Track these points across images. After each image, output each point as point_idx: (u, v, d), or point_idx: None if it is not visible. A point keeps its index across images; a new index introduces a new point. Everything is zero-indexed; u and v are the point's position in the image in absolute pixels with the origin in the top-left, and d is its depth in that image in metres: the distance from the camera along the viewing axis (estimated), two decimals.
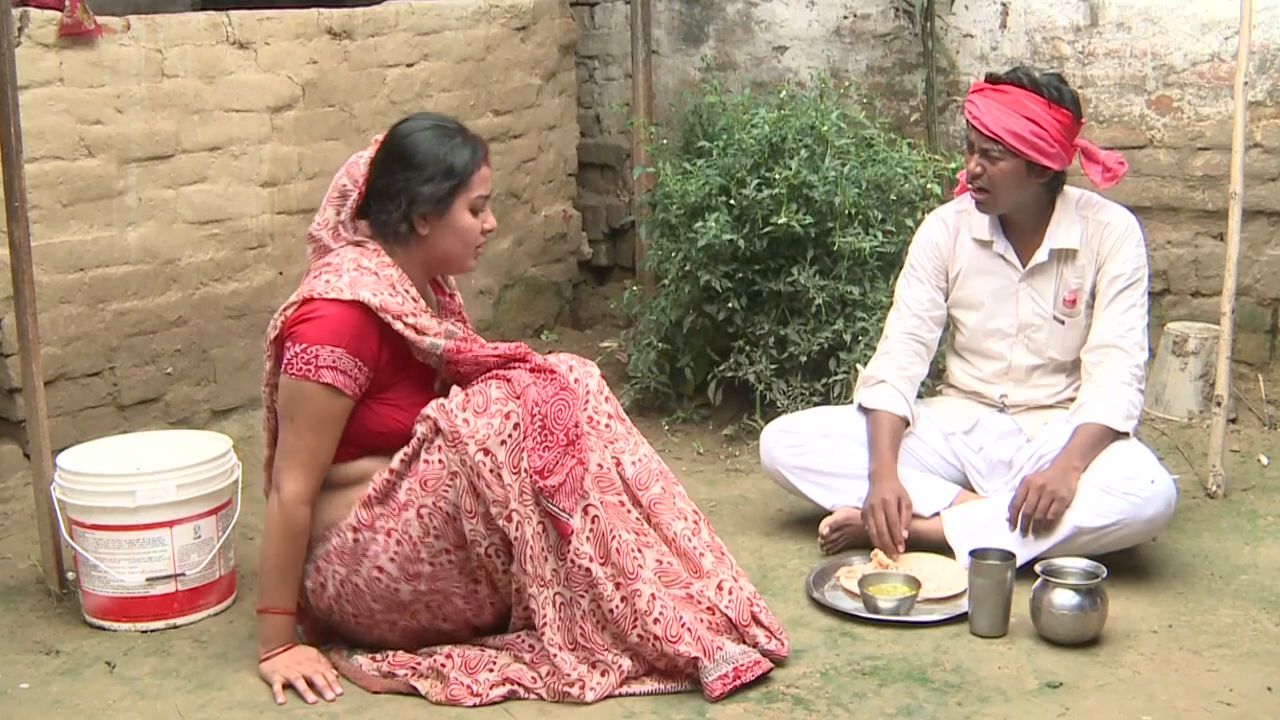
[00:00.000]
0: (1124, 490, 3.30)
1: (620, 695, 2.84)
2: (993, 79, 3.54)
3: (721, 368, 4.57)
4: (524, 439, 2.82)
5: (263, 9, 4.58)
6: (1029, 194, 3.54)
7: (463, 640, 3.00)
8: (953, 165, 4.55)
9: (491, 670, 2.89)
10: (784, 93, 4.80)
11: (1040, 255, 3.60)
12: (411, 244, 3.01)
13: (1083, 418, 3.47)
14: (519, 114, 5.50)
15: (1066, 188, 3.61)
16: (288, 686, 2.90)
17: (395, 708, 2.84)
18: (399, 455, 2.91)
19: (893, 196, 4.53)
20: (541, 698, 2.85)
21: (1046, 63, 5.04)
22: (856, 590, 3.26)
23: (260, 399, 3.22)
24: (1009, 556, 3.18)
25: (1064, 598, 3.04)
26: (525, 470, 2.82)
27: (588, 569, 2.85)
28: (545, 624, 2.87)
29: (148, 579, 3.21)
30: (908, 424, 3.66)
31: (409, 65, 5.01)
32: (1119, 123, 5.00)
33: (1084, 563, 3.14)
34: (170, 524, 3.22)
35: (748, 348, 4.51)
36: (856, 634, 3.13)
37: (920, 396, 3.80)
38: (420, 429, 2.89)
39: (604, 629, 2.88)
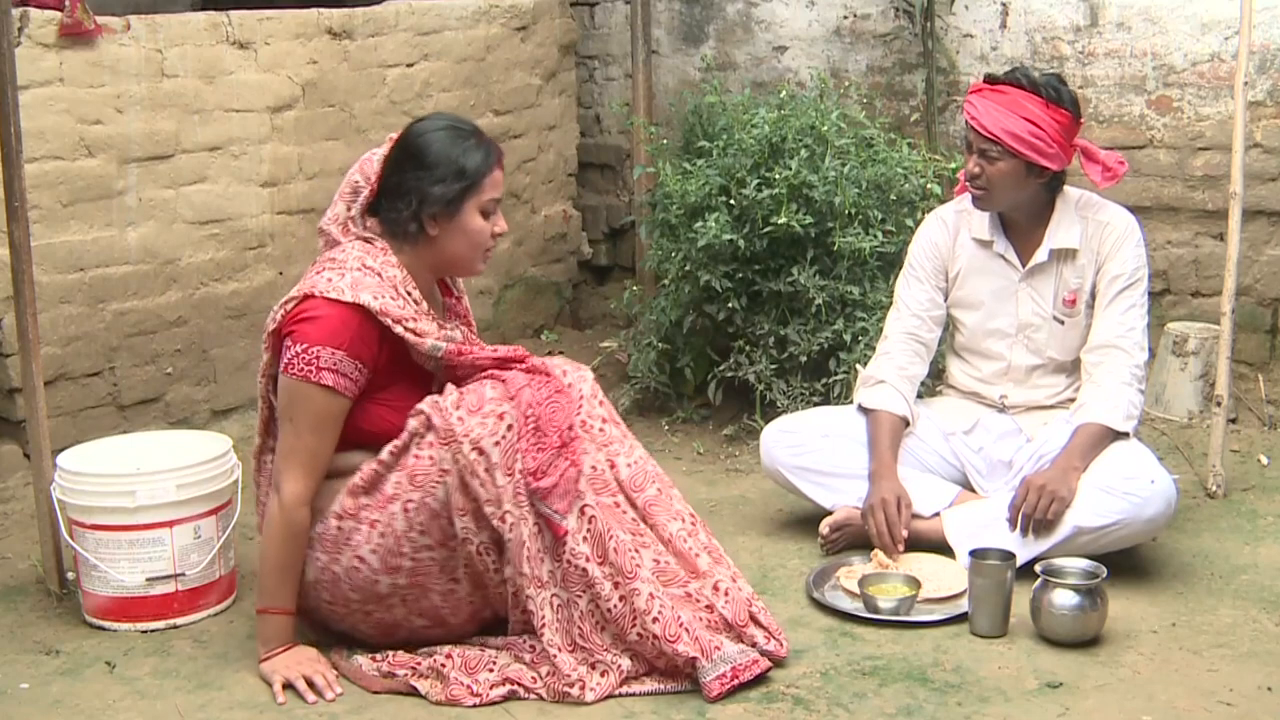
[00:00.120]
0: (1124, 490, 3.30)
1: (620, 695, 2.84)
2: (991, 79, 3.53)
3: (721, 368, 4.57)
4: (518, 440, 2.82)
5: (263, 9, 4.59)
6: (1028, 194, 3.54)
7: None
8: (953, 165, 4.55)
9: (491, 670, 2.89)
10: (784, 93, 4.80)
11: (1040, 255, 3.60)
12: (420, 244, 3.01)
13: (1083, 418, 3.47)
14: (519, 114, 5.50)
15: (1066, 188, 3.61)
16: (288, 686, 2.90)
17: (395, 708, 2.84)
18: (389, 447, 2.90)
19: (893, 196, 4.53)
20: (541, 698, 2.85)
21: (1046, 63, 5.04)
22: (856, 590, 3.26)
23: None
24: (1009, 556, 3.18)
25: (1064, 598, 3.04)
26: (520, 472, 2.82)
27: (584, 569, 2.85)
28: (544, 625, 2.87)
29: (148, 579, 3.21)
30: (908, 424, 3.66)
31: (409, 65, 5.02)
32: (1119, 123, 5.00)
33: (1084, 563, 3.14)
34: (170, 524, 3.22)
35: (748, 348, 4.51)
36: (856, 634, 3.13)
37: (920, 396, 3.81)
38: (413, 423, 2.89)
39: (603, 629, 2.88)
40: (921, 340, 3.72)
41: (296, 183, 4.68)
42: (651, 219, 4.78)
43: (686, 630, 2.84)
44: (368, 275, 2.93)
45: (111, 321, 4.24)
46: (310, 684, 2.89)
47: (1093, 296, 3.60)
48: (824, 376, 4.41)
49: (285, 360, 2.90)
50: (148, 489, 3.20)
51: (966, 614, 3.14)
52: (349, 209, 3.05)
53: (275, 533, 2.93)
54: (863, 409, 3.69)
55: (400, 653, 2.98)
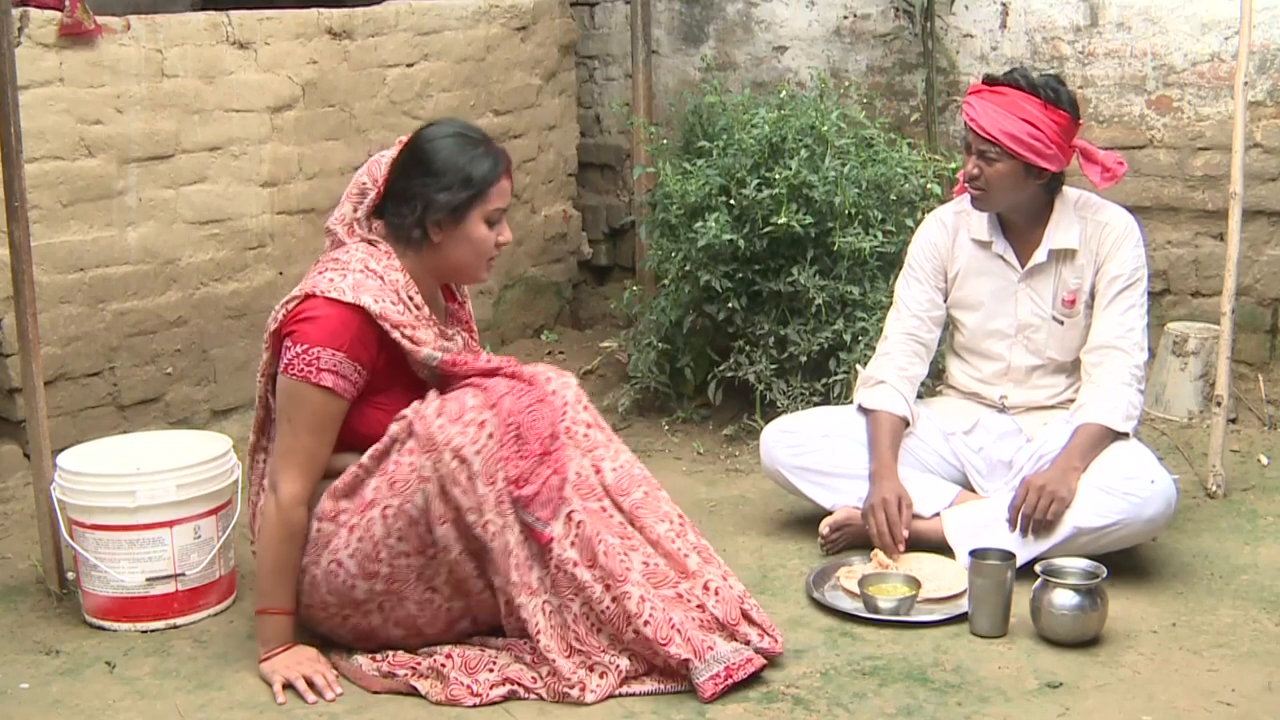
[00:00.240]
0: (1124, 490, 3.30)
1: (620, 695, 2.84)
2: (990, 80, 3.53)
3: (721, 368, 4.57)
4: (499, 448, 2.82)
5: (263, 9, 4.58)
6: (1026, 195, 3.54)
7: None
8: (952, 165, 4.55)
9: (491, 670, 2.89)
10: (784, 93, 4.80)
11: (1039, 256, 3.60)
12: (423, 250, 3.00)
13: (1082, 418, 3.47)
14: (519, 114, 5.50)
15: (1065, 188, 3.61)
16: (288, 686, 2.90)
17: (395, 708, 2.84)
18: (370, 450, 2.91)
19: (893, 196, 4.53)
20: (541, 698, 2.85)
21: (1046, 63, 5.04)
22: (856, 590, 3.26)
23: None
24: (1009, 556, 3.18)
25: (1064, 598, 3.04)
26: (502, 480, 2.82)
27: (574, 574, 2.85)
28: (539, 632, 2.87)
29: (148, 579, 3.21)
30: (908, 424, 3.66)
31: (409, 65, 5.02)
32: (1119, 123, 5.00)
33: (1084, 563, 3.14)
34: (170, 524, 3.21)
35: (748, 348, 4.51)
36: (856, 634, 3.13)
37: (920, 397, 3.81)
38: (394, 427, 2.89)
39: (599, 631, 2.88)
40: (921, 341, 3.72)
41: (296, 183, 4.68)
42: (651, 219, 4.78)
43: (679, 632, 2.83)
44: (370, 278, 2.93)
45: (111, 321, 4.24)
46: (310, 684, 2.89)
47: (1092, 297, 3.60)
48: (824, 376, 4.41)
49: (285, 360, 2.91)
50: (148, 489, 3.20)
51: (966, 614, 3.14)
52: (355, 210, 3.05)
53: (273, 533, 2.93)
54: (863, 409, 3.69)
55: (400, 653, 2.98)
